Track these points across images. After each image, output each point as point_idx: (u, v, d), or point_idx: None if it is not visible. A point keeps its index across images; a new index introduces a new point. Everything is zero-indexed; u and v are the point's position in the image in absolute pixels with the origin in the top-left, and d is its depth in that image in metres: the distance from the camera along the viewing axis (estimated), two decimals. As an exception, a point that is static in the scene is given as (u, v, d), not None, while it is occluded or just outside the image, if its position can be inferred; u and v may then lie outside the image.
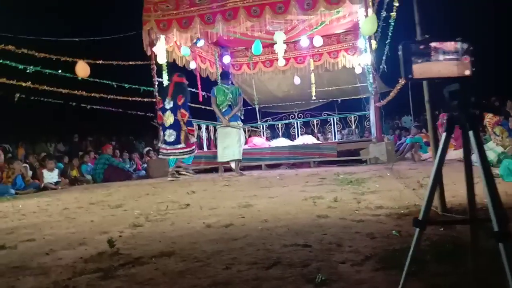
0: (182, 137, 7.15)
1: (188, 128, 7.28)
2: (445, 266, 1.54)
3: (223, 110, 7.04)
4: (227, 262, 1.84)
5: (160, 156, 7.47)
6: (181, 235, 2.50)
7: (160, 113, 7.37)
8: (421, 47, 1.11)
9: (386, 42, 6.37)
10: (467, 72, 1.12)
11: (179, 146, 7.18)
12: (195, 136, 7.75)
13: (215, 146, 8.65)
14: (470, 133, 1.09)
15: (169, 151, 7.23)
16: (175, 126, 7.14)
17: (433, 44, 1.11)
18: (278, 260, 1.82)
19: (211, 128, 10.31)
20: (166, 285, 1.61)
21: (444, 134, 1.14)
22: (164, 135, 7.24)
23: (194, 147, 7.47)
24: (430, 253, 1.69)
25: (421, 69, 1.10)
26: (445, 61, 1.12)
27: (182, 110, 7.17)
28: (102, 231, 2.82)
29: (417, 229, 1.12)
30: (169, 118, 7.15)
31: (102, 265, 1.94)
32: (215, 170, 8.11)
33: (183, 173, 7.52)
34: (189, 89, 7.93)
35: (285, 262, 1.79)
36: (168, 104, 7.19)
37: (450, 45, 1.13)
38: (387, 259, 1.69)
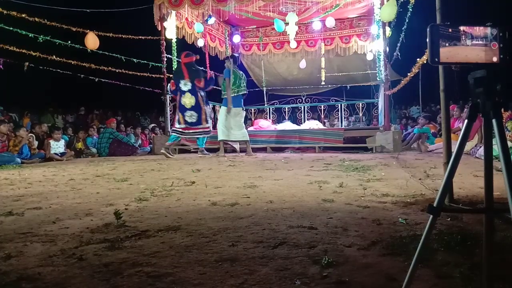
0: (203, 117, 7.32)
1: (206, 107, 7.44)
2: (454, 256, 1.53)
3: (241, 93, 7.29)
4: (233, 240, 1.85)
5: (173, 134, 7.50)
6: (187, 211, 2.51)
7: (174, 95, 7.48)
8: (450, 30, 1.07)
9: (403, 28, 6.23)
10: (495, 59, 1.08)
11: (200, 126, 7.33)
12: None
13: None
14: (493, 121, 1.06)
15: (189, 131, 7.36)
16: (197, 107, 7.27)
17: (462, 28, 1.08)
18: (284, 240, 1.83)
19: (218, 108, 10.28)
20: (172, 258, 1.62)
21: (466, 121, 1.11)
22: (184, 116, 7.32)
23: (210, 128, 7.60)
24: (438, 242, 1.68)
25: (448, 53, 1.07)
26: (473, 46, 1.08)
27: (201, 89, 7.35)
28: (108, 203, 2.84)
29: (430, 216, 1.10)
30: (190, 100, 7.24)
31: (109, 236, 1.96)
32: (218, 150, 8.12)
33: (200, 155, 7.46)
34: (197, 67, 7.87)
35: (291, 242, 1.79)
36: (185, 86, 7.23)
37: (479, 30, 1.09)
38: (394, 245, 1.68)
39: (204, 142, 7.62)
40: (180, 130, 7.39)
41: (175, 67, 8.37)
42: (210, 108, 7.73)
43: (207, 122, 7.39)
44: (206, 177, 4.21)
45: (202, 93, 7.37)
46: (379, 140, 7.70)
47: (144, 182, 3.95)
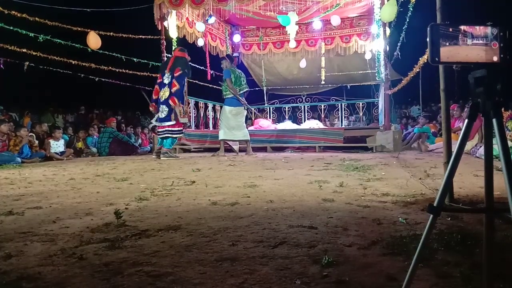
0: (173, 114, 6.97)
1: (179, 102, 7.08)
2: (454, 256, 1.53)
3: (242, 92, 7.22)
4: (233, 239, 1.85)
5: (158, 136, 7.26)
6: (187, 211, 2.51)
7: (157, 87, 7.12)
8: (450, 29, 1.07)
9: (403, 28, 6.23)
10: (495, 58, 1.08)
11: (167, 123, 7.00)
12: (186, 115, 7.48)
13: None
14: (494, 120, 1.06)
15: (161, 129, 7.08)
16: (169, 101, 6.98)
17: (462, 27, 1.08)
18: (284, 240, 1.83)
19: (218, 107, 10.28)
20: (172, 257, 1.62)
21: (466, 121, 1.11)
22: (158, 110, 7.07)
23: (181, 128, 7.19)
24: (438, 242, 1.68)
25: (448, 53, 1.07)
26: (474, 45, 1.08)
27: (174, 81, 6.94)
28: (108, 202, 2.84)
29: (431, 216, 1.10)
30: (165, 93, 6.95)
31: (109, 236, 1.96)
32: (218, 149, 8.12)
33: (164, 157, 6.94)
34: (198, 66, 7.85)
35: (291, 242, 1.79)
36: (167, 79, 6.98)
37: (479, 30, 1.09)
38: (394, 245, 1.68)
39: (173, 143, 7.21)
40: (159, 129, 7.12)
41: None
42: (181, 106, 7.17)
43: (175, 120, 6.97)
44: (206, 176, 4.21)
45: (175, 83, 6.95)
46: (379, 139, 7.70)
47: (144, 181, 3.95)
